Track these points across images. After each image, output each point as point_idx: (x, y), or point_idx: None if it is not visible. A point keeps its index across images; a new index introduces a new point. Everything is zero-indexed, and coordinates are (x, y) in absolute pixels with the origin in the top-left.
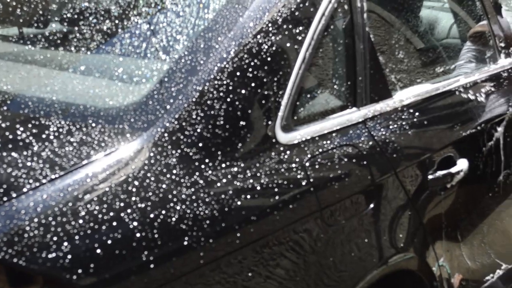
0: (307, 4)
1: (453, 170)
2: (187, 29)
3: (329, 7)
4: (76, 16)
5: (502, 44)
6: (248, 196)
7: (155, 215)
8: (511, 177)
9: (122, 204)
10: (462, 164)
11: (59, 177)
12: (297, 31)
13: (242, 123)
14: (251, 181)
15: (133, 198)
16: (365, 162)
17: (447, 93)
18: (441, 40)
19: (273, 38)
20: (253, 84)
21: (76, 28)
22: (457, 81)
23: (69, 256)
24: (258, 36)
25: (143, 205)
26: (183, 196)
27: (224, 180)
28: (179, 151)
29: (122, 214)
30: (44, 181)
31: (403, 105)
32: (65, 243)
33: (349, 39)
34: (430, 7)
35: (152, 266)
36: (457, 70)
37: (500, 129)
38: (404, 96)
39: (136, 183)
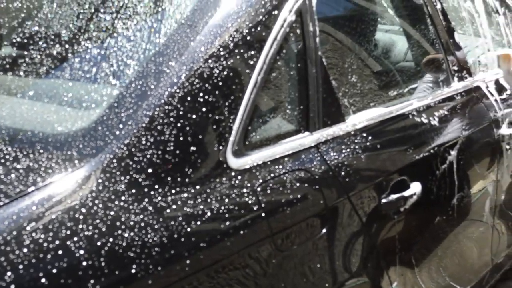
0: (259, 28)
1: (406, 193)
2: (138, 53)
3: (281, 31)
4: (25, 41)
5: (455, 68)
6: (198, 222)
7: (102, 243)
8: (465, 200)
9: (68, 232)
10: (415, 188)
11: (3, 205)
12: (249, 55)
13: (192, 148)
14: (201, 207)
15: (80, 226)
16: (317, 187)
17: (400, 116)
18: (397, 63)
19: (224, 62)
20: (204, 109)
21: (25, 53)
22: (411, 104)
23: (13, 286)
24: (210, 61)
25: (90, 233)
26: (132, 223)
27: (174, 207)
28: (128, 177)
29: (68, 243)
30: None
31: (356, 129)
32: (9, 273)
33: (301, 63)
34: (386, 30)
35: None
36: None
37: (453, 152)
38: (357, 120)
39: (83, 210)
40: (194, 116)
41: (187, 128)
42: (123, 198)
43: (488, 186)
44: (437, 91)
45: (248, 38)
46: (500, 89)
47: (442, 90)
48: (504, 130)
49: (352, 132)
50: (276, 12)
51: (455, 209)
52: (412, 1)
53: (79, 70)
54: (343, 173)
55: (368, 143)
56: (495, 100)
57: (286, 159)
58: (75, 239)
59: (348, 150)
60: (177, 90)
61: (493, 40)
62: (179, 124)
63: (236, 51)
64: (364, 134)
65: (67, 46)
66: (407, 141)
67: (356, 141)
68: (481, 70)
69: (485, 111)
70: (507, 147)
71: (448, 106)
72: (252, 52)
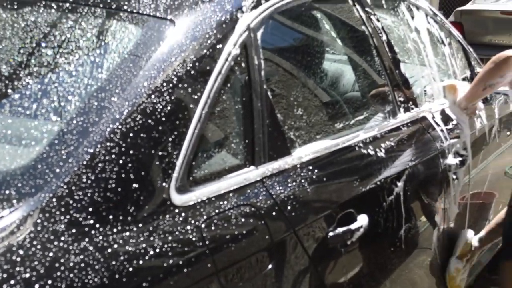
0: (203, 62)
1: (353, 226)
2: (79, 89)
3: (226, 65)
4: None
5: (401, 99)
6: (141, 261)
7: (40, 285)
8: (413, 230)
9: (5, 275)
10: (362, 220)
11: None
12: (193, 89)
13: (135, 185)
14: (143, 245)
15: (17, 268)
16: (263, 222)
17: (347, 148)
18: (344, 94)
19: (168, 97)
20: (146, 145)
21: None
22: (357, 136)
23: None
24: (153, 96)
25: (27, 275)
26: (71, 264)
27: (116, 246)
28: (68, 216)
29: (5, 286)
30: None
31: (302, 162)
32: None
33: (246, 96)
34: (334, 61)
35: None
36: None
37: (400, 183)
38: (303, 152)
39: (21, 252)
40: (136, 153)
41: (130, 165)
42: (62, 238)
43: (436, 215)
44: (383, 123)
45: (192, 72)
46: (446, 119)
47: (388, 121)
48: (451, 160)
49: (298, 165)
50: (220, 45)
51: (403, 239)
52: (358, 32)
53: (19, 106)
54: (289, 207)
55: (314, 176)
56: (441, 130)
57: (231, 194)
58: (12, 282)
59: (294, 183)
60: (119, 126)
61: (439, 71)
62: (121, 161)
63: (180, 85)
64: (310, 167)
65: (6, 81)
66: (353, 173)
67: (302, 174)
68: (427, 100)
69: (431, 141)
70: (454, 176)
71: (394, 138)
72: (197, 86)
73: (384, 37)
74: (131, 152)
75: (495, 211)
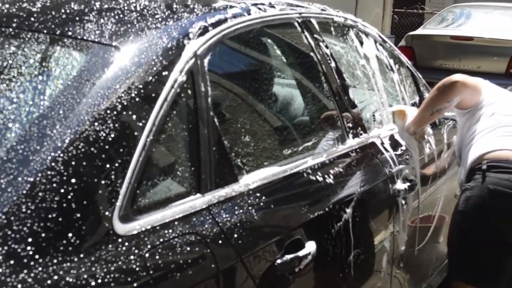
0: (148, 89)
1: (301, 253)
2: (21, 116)
3: (172, 92)
4: None
5: (350, 125)
6: None
7: None
8: (362, 256)
9: None
10: (310, 247)
11: None
12: (138, 117)
13: (77, 215)
14: (85, 276)
15: None
16: (209, 250)
17: (295, 175)
18: (292, 121)
19: (111, 125)
20: (89, 174)
21: None
22: (306, 162)
23: None
24: (96, 124)
25: None
26: None
27: (56, 277)
28: (6, 248)
29: None
30: None
31: (249, 189)
32: None
33: (192, 124)
34: (282, 86)
35: None
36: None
37: (349, 209)
38: (251, 180)
39: None
40: (79, 181)
41: (71, 194)
42: (0, 270)
43: (385, 241)
44: (332, 149)
45: (137, 99)
46: (395, 144)
47: (337, 147)
48: (399, 185)
49: (245, 193)
50: (166, 72)
51: (352, 265)
52: (307, 59)
53: None
54: (236, 235)
55: (262, 203)
56: (390, 156)
57: (176, 222)
58: None
59: (241, 211)
60: (61, 155)
61: (388, 97)
62: (62, 190)
63: (124, 112)
64: (258, 194)
65: None
66: (302, 199)
67: (249, 201)
68: (376, 126)
69: (380, 167)
70: (403, 202)
71: (343, 164)
72: (141, 114)
73: (332, 64)
74: (73, 181)
75: (445, 234)
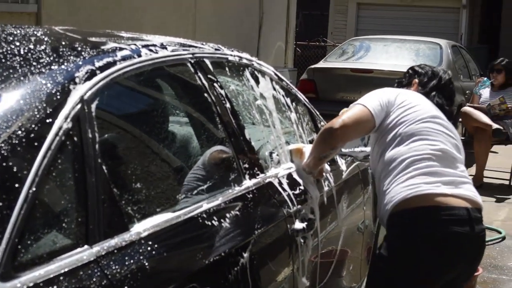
0: (31, 138)
1: None
2: None
3: (56, 140)
4: None
5: (246, 165)
6: None
7: None
8: None
9: None
10: None
11: None
12: (19, 167)
13: None
14: None
15: None
16: None
17: (189, 220)
18: (187, 163)
19: None
20: None
21: None
22: (200, 207)
23: None
24: None
25: None
26: None
27: None
28: None
29: None
30: None
31: (140, 238)
32: None
33: (79, 172)
34: (177, 129)
35: None
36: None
37: (246, 254)
38: (142, 228)
39: None
40: None
41: None
42: None
43: (284, 283)
44: (227, 190)
45: (19, 149)
46: (293, 184)
47: (233, 189)
48: (298, 225)
49: (136, 242)
50: (50, 119)
51: None
52: (201, 100)
53: None
54: (126, 287)
55: (154, 252)
56: (288, 195)
57: (61, 278)
58: None
59: (132, 261)
60: None
61: (285, 135)
62: None
63: (4, 163)
64: (150, 242)
65: None
66: (196, 246)
67: (140, 250)
68: (274, 166)
69: (278, 207)
70: (302, 241)
71: (239, 206)
72: (23, 164)
73: (227, 104)
74: None
75: (348, 268)
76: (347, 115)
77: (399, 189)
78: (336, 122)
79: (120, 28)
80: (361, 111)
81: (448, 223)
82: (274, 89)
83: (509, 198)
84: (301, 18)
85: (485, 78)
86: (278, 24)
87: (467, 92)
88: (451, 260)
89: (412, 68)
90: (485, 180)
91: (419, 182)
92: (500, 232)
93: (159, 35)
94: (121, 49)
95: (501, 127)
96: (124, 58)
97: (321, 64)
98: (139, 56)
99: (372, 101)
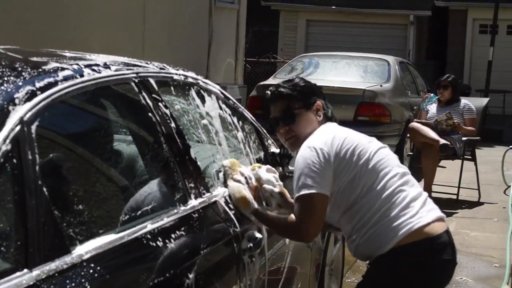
0: None
1: None
2: None
3: None
4: None
5: (192, 185)
6: None
7: None
8: None
9: None
10: None
11: None
12: None
13: None
14: None
15: None
16: None
17: (133, 241)
18: (132, 183)
19: None
20: None
21: None
22: (145, 227)
23: None
24: None
25: None
26: None
27: None
28: None
29: None
30: None
31: (82, 260)
32: None
33: (18, 195)
34: (122, 150)
35: None
36: None
37: (191, 275)
38: (84, 250)
39: None
40: None
41: None
42: None
43: None
44: (172, 210)
45: None
46: None
47: (178, 209)
48: (245, 243)
49: (78, 264)
50: None
51: None
52: (145, 119)
53: None
54: None
55: (96, 274)
56: (235, 214)
57: None
58: None
59: (73, 284)
60: None
61: (232, 154)
62: None
63: None
64: (92, 265)
65: None
66: (140, 267)
67: (82, 273)
68: (220, 185)
69: (224, 227)
70: (249, 260)
71: (184, 226)
72: None
73: (172, 124)
74: None
75: (297, 285)
76: (307, 220)
77: (388, 231)
78: (303, 232)
79: (67, 46)
80: (317, 200)
81: (438, 253)
82: (220, 107)
83: (457, 213)
84: (251, 35)
85: (432, 94)
86: (227, 41)
87: (414, 107)
88: (439, 286)
89: (290, 89)
90: (433, 194)
91: (405, 219)
92: None
93: (105, 54)
94: (63, 69)
95: (448, 143)
96: (66, 78)
97: (270, 81)
98: (82, 76)
99: (314, 178)
